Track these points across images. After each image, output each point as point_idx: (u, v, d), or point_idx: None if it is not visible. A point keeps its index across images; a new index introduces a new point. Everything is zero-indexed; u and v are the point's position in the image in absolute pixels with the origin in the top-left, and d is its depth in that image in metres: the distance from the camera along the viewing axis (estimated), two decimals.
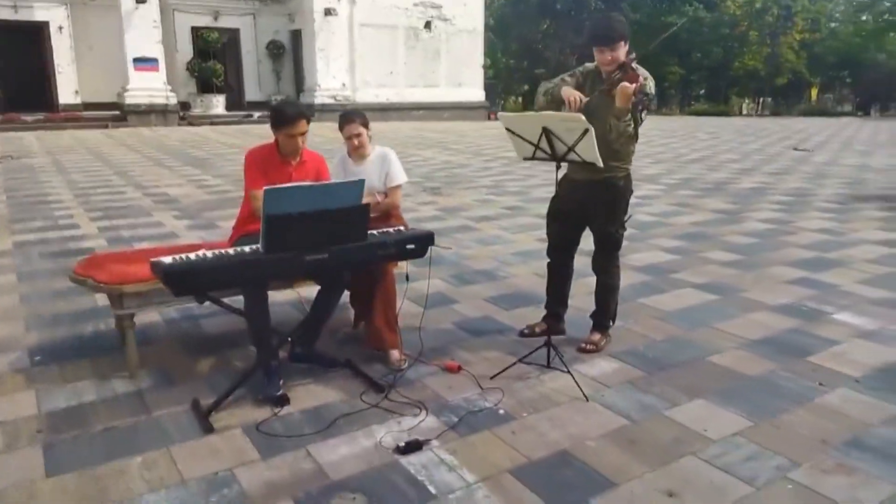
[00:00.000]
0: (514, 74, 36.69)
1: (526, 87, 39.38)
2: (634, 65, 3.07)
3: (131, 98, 18.92)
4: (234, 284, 2.81)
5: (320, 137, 16.24)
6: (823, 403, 2.95)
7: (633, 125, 3.05)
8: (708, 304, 4.24)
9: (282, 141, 3.21)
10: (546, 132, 2.88)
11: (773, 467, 2.44)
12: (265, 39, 23.79)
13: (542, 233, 6.26)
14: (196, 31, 22.24)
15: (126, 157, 12.05)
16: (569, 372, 3.09)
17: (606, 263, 3.47)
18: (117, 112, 19.36)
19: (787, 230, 6.39)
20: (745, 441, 2.62)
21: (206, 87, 21.93)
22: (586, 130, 2.76)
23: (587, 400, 2.94)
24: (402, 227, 3.25)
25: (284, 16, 23.94)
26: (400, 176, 3.58)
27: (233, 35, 23.40)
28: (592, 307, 3.58)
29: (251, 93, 23.92)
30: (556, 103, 3.24)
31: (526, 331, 3.68)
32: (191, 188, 8.73)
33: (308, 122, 3.19)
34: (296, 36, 23.65)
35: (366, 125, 3.52)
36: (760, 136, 18.83)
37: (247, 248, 2.79)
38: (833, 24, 43.25)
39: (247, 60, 23.75)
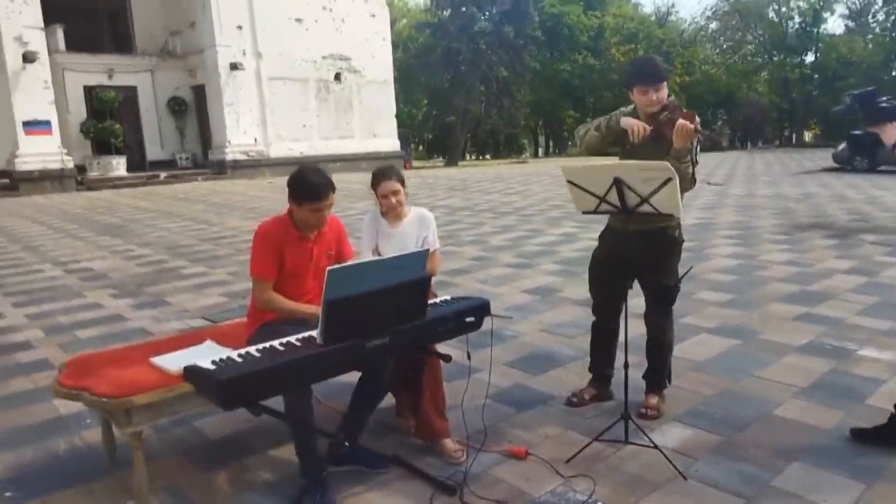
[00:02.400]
0: (424, 124, 37.13)
1: (431, 136, 39.95)
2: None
3: (23, 164, 17.36)
4: (292, 386, 2.31)
5: (241, 196, 15.50)
6: None
7: (691, 167, 2.87)
8: (735, 350, 4.09)
9: (303, 216, 2.76)
10: (618, 182, 2.63)
11: None
12: (165, 96, 22.76)
13: (524, 283, 6.10)
14: (89, 91, 20.91)
15: (29, 230, 10.83)
16: (656, 448, 2.78)
17: (661, 319, 3.23)
18: (6, 180, 17.65)
19: (756, 264, 6.49)
20: None
21: (103, 148, 20.55)
22: (669, 179, 2.53)
23: (685, 478, 2.64)
24: (447, 298, 2.87)
25: (185, 71, 23.05)
26: (437, 240, 3.22)
27: (129, 93, 22.22)
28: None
29: (153, 152, 22.71)
30: (614, 135, 3.02)
31: (575, 399, 3.36)
32: (117, 260, 7.87)
33: (335, 191, 2.79)
34: (199, 91, 22.77)
35: (402, 182, 3.15)
36: None
37: (294, 340, 2.33)
38: (705, 67, 47.04)
39: (146, 119, 22.59)
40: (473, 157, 42.90)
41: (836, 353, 3.97)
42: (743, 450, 2.86)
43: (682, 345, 4.19)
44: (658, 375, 3.29)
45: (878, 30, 44.55)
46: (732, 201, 11.94)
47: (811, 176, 17.62)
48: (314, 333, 2.31)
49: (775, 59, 46.25)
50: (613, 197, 2.73)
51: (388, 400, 3.23)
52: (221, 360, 2.15)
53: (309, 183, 2.70)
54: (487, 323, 2.80)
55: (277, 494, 2.59)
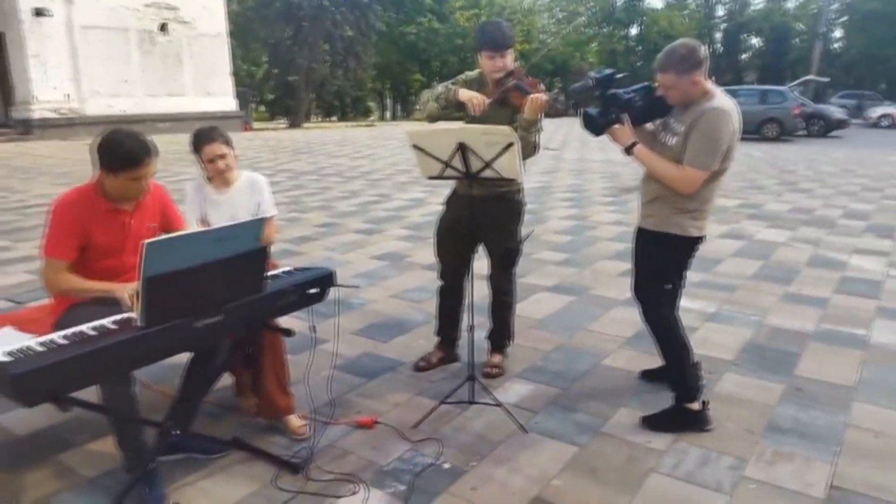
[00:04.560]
0: (265, 83, 35.20)
1: (273, 96, 38.06)
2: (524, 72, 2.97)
3: None
4: (107, 376, 2.06)
5: (51, 159, 13.77)
6: (723, 392, 3.14)
7: (537, 136, 2.94)
8: (570, 307, 4.34)
9: (118, 186, 2.42)
10: (462, 147, 2.61)
11: (728, 468, 2.50)
12: None
13: (372, 249, 6.03)
14: None
15: None
16: (499, 405, 2.86)
17: (504, 282, 3.31)
18: None
19: (588, 225, 6.92)
20: (687, 445, 2.66)
21: None
22: (510, 144, 2.55)
23: (525, 432, 2.75)
24: (289, 268, 2.72)
25: None
26: (272, 207, 3.02)
27: None
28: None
29: None
30: (453, 107, 2.99)
31: (422, 363, 3.38)
32: None
33: (157, 156, 2.47)
34: None
35: (229, 143, 2.90)
36: None
37: (108, 323, 2.08)
38: (543, 36, 49.10)
39: None
40: (319, 118, 41.62)
41: None
42: (577, 400, 3.04)
43: (522, 304, 4.36)
44: (501, 335, 3.39)
45: (693, 6, 48.89)
46: (567, 165, 12.64)
47: None
48: (134, 314, 2.08)
49: (605, 30, 49.28)
50: (458, 162, 2.71)
51: (227, 379, 3.04)
52: (19, 349, 1.86)
53: (124, 149, 2.36)
54: (332, 293, 2.69)
55: (99, 492, 2.34)
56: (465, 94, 2.89)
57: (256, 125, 29.69)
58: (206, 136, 2.86)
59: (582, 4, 50.54)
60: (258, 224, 2.27)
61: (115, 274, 2.48)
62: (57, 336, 1.97)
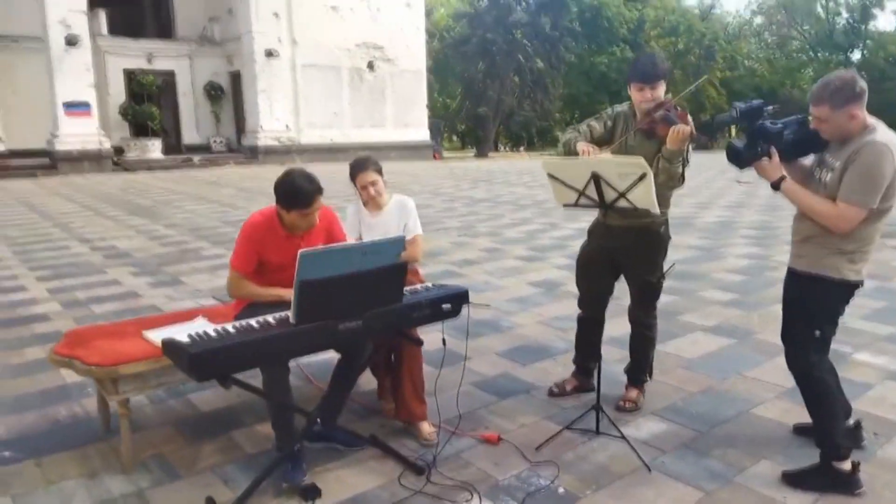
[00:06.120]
0: (458, 114, 37.03)
1: (463, 127, 39.84)
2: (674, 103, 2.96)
3: (62, 144, 17.95)
4: (263, 362, 2.44)
5: (270, 182, 15.81)
6: (887, 457, 2.80)
7: (682, 167, 2.90)
8: (728, 350, 4.10)
9: (290, 219, 2.75)
10: (595, 178, 2.68)
11: None
12: (202, 81, 23.24)
13: (531, 276, 6.16)
14: (129, 74, 21.51)
15: (63, 208, 11.25)
16: (624, 438, 2.84)
17: (645, 315, 3.26)
18: (46, 159, 18.31)
19: (768, 265, 6.42)
20: None
21: (140, 130, 21.12)
22: (644, 175, 2.57)
23: (650, 470, 2.69)
24: (429, 285, 2.95)
25: (222, 58, 23.51)
26: (419, 226, 3.30)
27: (168, 77, 22.77)
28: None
29: (189, 136, 23.23)
30: (574, 155, 3.07)
31: (556, 389, 3.43)
32: (142, 240, 8.14)
33: (322, 194, 2.80)
34: (235, 78, 23.21)
35: (380, 171, 3.23)
36: (700, 170, 19.40)
37: (270, 319, 2.45)
38: (748, 63, 45.95)
39: (183, 103, 23.11)
40: (507, 148, 42.76)
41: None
42: (713, 446, 2.89)
43: (675, 341, 4.22)
44: (639, 370, 3.33)
45: None
46: (758, 201, 11.74)
47: None
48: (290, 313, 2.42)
49: (820, 56, 44.96)
50: (592, 191, 2.77)
51: (372, 383, 3.35)
52: (197, 334, 2.28)
53: (298, 190, 2.67)
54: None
55: (255, 467, 2.71)
56: (581, 146, 2.95)
57: (447, 154, 31.31)
58: (359, 165, 3.22)
59: (795, 28, 46.66)
60: (399, 241, 2.53)
61: (289, 284, 2.84)
62: (228, 326, 2.37)
